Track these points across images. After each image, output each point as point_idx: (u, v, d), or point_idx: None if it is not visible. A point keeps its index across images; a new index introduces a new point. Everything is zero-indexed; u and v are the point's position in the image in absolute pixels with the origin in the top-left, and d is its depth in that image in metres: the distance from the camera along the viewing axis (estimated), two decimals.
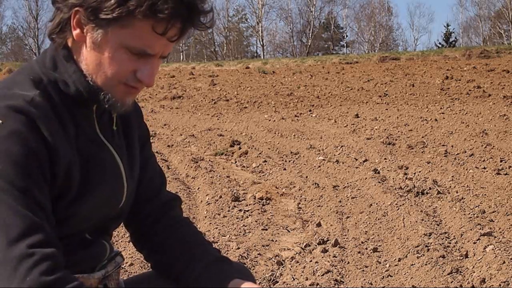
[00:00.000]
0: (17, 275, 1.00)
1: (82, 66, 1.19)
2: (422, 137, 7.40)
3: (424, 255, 3.32)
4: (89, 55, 1.18)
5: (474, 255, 3.29)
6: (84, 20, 1.15)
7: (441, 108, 10.39)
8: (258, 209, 4.42)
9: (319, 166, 5.95)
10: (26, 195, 1.07)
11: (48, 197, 1.12)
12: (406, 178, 5.13)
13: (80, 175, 1.19)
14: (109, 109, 1.21)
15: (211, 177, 5.40)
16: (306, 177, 5.49)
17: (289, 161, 6.25)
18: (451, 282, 2.98)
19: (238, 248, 3.52)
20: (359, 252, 3.51)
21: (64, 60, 1.20)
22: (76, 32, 1.17)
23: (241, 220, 4.18)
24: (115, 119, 1.32)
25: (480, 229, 3.63)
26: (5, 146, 1.07)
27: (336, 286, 3.02)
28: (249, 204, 4.57)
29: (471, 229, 3.65)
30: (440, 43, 46.58)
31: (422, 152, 6.45)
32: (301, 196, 4.82)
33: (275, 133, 8.26)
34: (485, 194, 4.58)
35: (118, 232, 3.73)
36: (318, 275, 3.11)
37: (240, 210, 4.41)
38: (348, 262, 3.37)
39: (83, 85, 1.19)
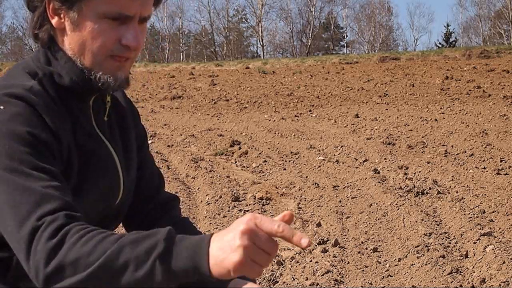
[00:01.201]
0: (32, 251, 1.00)
1: (68, 52, 1.19)
2: (422, 137, 7.41)
3: (424, 255, 3.32)
4: (71, 38, 1.18)
5: (474, 255, 3.28)
6: (58, 6, 1.16)
7: (441, 108, 10.39)
8: (258, 209, 4.42)
9: (319, 166, 5.95)
10: (36, 169, 1.06)
11: (59, 170, 1.11)
12: (406, 178, 5.13)
13: (77, 168, 1.19)
14: (103, 87, 1.19)
15: (211, 177, 5.40)
16: (306, 177, 5.49)
17: (289, 161, 6.25)
18: (451, 282, 2.98)
19: None
20: (359, 252, 3.51)
21: (55, 53, 1.21)
22: (54, 20, 1.18)
23: None
24: (107, 110, 1.32)
25: (480, 229, 3.63)
26: (9, 126, 1.08)
27: (336, 286, 3.01)
28: (249, 204, 4.57)
29: (471, 229, 3.65)
30: (440, 43, 46.60)
31: (422, 152, 6.45)
32: (301, 196, 4.82)
33: (275, 133, 8.26)
34: (485, 194, 4.58)
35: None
36: (318, 275, 3.11)
37: (240, 210, 4.41)
38: (348, 262, 3.36)
39: (76, 74, 1.19)
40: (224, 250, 0.92)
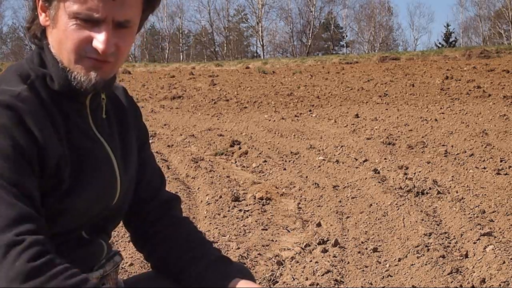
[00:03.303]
0: (5, 262, 1.00)
1: (52, 51, 1.20)
2: (422, 137, 7.40)
3: (424, 255, 3.32)
4: (53, 37, 1.19)
5: (474, 255, 3.28)
6: (42, 2, 1.17)
7: (441, 108, 10.38)
8: (258, 209, 4.42)
9: (319, 166, 5.95)
10: (15, 187, 1.07)
11: (37, 190, 1.12)
12: (406, 178, 5.13)
13: (72, 168, 1.19)
14: (77, 87, 1.19)
15: (211, 177, 5.40)
16: (306, 177, 5.49)
17: (289, 161, 6.25)
18: (451, 282, 2.97)
19: (238, 248, 3.52)
20: (359, 252, 3.51)
21: (47, 54, 1.21)
22: (41, 17, 1.19)
23: (241, 220, 4.18)
24: (104, 108, 1.32)
25: (480, 229, 3.63)
26: None
27: (336, 286, 3.01)
28: (249, 204, 4.56)
29: (471, 229, 3.65)
30: (440, 43, 46.59)
31: (422, 152, 6.45)
32: (301, 196, 4.82)
33: (275, 133, 8.26)
34: (485, 194, 4.58)
35: (118, 232, 3.73)
36: (318, 275, 3.11)
37: (240, 210, 4.41)
38: (348, 262, 3.36)
39: (63, 78, 1.19)
40: None
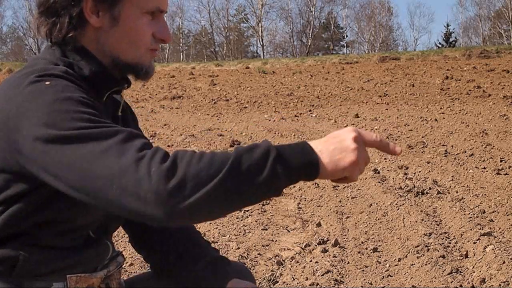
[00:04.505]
0: (143, 177, 0.94)
1: (105, 49, 1.19)
2: (422, 137, 7.41)
3: (424, 255, 3.32)
4: (111, 36, 1.19)
5: (474, 255, 3.29)
6: (98, 6, 1.17)
7: (441, 108, 10.39)
8: (258, 209, 4.42)
9: None
10: (105, 122, 1.05)
11: None
12: (406, 178, 5.14)
13: None
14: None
15: None
16: None
17: None
18: (451, 282, 2.98)
19: (238, 248, 3.52)
20: (359, 252, 3.51)
21: (71, 51, 1.20)
22: (93, 19, 1.18)
23: (241, 220, 4.18)
24: (121, 105, 1.33)
25: (480, 229, 3.63)
26: (66, 94, 1.06)
27: (336, 286, 3.01)
28: None
29: (471, 229, 3.65)
30: (440, 43, 46.60)
31: (422, 152, 6.46)
32: (301, 196, 4.82)
33: (275, 133, 8.26)
34: (485, 194, 4.58)
35: (118, 232, 3.73)
36: (318, 275, 3.11)
37: (240, 210, 4.41)
38: (348, 262, 3.37)
39: (95, 65, 1.19)
40: (340, 150, 1.01)
